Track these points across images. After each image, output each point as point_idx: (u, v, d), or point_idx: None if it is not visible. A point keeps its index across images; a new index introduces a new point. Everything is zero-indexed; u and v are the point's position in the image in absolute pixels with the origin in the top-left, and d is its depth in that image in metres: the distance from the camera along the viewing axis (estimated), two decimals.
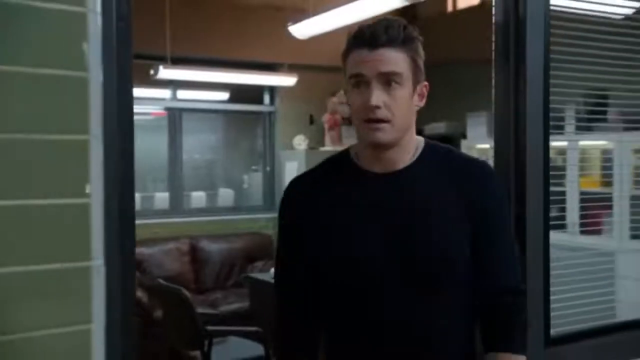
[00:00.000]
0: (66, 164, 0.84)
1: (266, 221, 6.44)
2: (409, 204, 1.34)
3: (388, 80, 1.28)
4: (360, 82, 1.29)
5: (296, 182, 1.47)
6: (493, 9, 1.72)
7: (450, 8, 6.41)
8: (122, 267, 1.04)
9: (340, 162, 1.43)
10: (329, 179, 1.42)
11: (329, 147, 6.38)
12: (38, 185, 0.83)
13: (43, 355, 0.83)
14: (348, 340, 1.38)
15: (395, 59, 1.28)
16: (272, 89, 6.48)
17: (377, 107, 1.27)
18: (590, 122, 2.92)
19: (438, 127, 6.22)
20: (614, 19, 2.15)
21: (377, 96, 1.26)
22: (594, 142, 3.52)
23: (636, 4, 2.22)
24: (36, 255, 0.83)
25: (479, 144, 5.38)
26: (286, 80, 5.93)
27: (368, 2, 4.04)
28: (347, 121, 6.56)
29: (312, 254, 1.37)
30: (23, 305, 0.82)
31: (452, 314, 1.36)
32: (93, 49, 0.85)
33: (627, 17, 2.22)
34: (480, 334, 1.41)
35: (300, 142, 6.36)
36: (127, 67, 1.13)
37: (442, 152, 1.42)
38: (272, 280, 4.65)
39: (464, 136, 5.59)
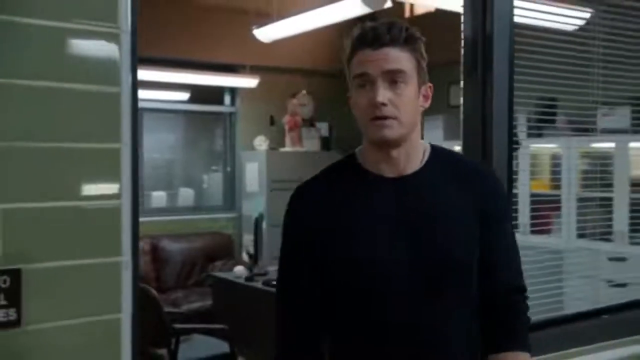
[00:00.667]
0: (104, 169, 0.94)
1: (226, 221, 6.49)
2: (417, 208, 1.34)
3: (393, 78, 1.28)
4: (365, 81, 1.29)
5: (302, 187, 1.46)
6: (462, 25, 1.87)
7: (407, 14, 6.60)
8: (136, 263, 1.13)
9: (346, 166, 1.42)
10: (335, 182, 1.41)
11: (289, 148, 6.49)
12: (80, 188, 0.92)
13: (80, 341, 0.93)
14: (353, 342, 1.37)
15: (399, 58, 1.28)
16: (232, 90, 6.54)
17: (383, 104, 1.26)
18: (540, 128, 3.10)
19: None
20: (563, 34, 2.33)
21: (383, 94, 1.26)
22: (544, 146, 3.72)
23: (580, 22, 2.41)
24: (77, 251, 0.93)
25: None
26: (248, 81, 6.00)
27: (331, 9, 4.17)
28: (307, 122, 6.68)
29: (319, 256, 1.36)
30: (65, 296, 0.91)
31: (457, 316, 1.36)
32: (124, 66, 0.95)
33: (570, 33, 2.40)
34: (486, 335, 1.41)
35: (261, 142, 6.43)
36: (136, 78, 1.22)
37: (448, 156, 1.44)
38: (235, 279, 4.70)
39: (421, 138, 5.76)
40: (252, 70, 6.11)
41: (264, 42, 4.86)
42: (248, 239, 6.34)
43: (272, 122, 6.54)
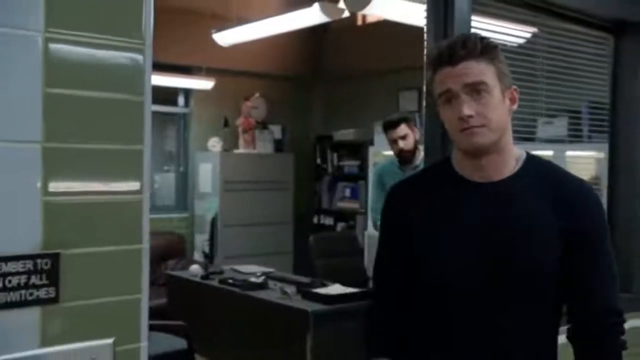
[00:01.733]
0: (130, 168, 1.06)
1: (178, 221, 6.54)
2: (499, 214, 1.35)
3: (476, 89, 1.30)
4: (450, 97, 1.31)
5: (399, 185, 1.53)
6: (425, 42, 2.06)
7: (360, 21, 6.81)
8: None
9: (441, 170, 1.46)
10: (428, 183, 1.47)
11: (243, 150, 6.60)
12: (110, 184, 1.05)
13: (107, 316, 1.05)
14: (427, 340, 1.42)
15: (478, 69, 1.30)
16: (186, 91, 6.59)
17: (470, 117, 1.29)
18: None
19: (347, 134, 6.62)
20: (510, 51, 2.56)
21: (469, 106, 1.29)
22: None
23: (522, 41, 2.64)
24: (107, 239, 1.05)
25: (385, 150, 5.78)
26: (204, 83, 6.08)
27: (291, 17, 4.32)
28: (260, 125, 6.81)
29: (405, 248, 1.41)
30: (96, 278, 1.03)
31: (531, 326, 1.37)
32: (147, 77, 1.09)
33: (515, 51, 2.64)
34: (577, 355, 1.40)
35: (215, 144, 6.51)
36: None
37: (545, 168, 1.43)
38: (191, 278, 4.77)
39: (372, 143, 5.98)
40: (208, 72, 6.19)
41: (220, 45, 4.96)
42: (200, 239, 6.42)
43: (226, 123, 6.63)
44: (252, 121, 6.62)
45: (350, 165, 6.71)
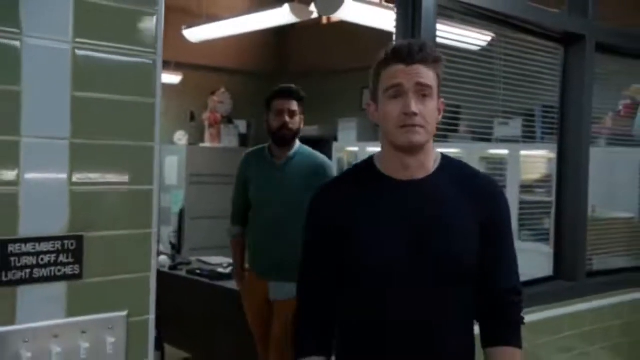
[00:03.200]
0: (143, 162, 1.21)
1: None
2: (422, 209, 1.43)
3: (422, 91, 1.39)
4: (398, 93, 1.39)
5: (324, 187, 1.58)
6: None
7: (325, 20, 6.96)
8: None
9: (365, 170, 1.53)
10: (352, 184, 1.52)
11: (209, 144, 6.70)
12: (126, 176, 1.20)
13: (123, 291, 1.19)
14: (357, 331, 1.47)
15: (427, 74, 1.40)
16: None
17: (415, 114, 1.38)
18: (446, 136, 3.49)
19: (311, 130, 6.74)
20: (468, 51, 2.75)
21: (415, 105, 1.38)
22: (448, 150, 4.15)
23: (477, 48, 2.84)
24: (123, 223, 1.18)
25: (349, 146, 5.96)
26: (171, 78, 6.15)
27: (261, 16, 4.44)
28: (226, 119, 6.91)
29: (332, 249, 1.46)
30: (114, 257, 1.17)
31: (456, 313, 1.45)
32: (157, 82, 1.23)
33: (475, 58, 2.84)
34: (485, 330, 1.51)
35: (181, 137, 6.59)
36: None
37: (457, 166, 1.54)
38: (159, 268, 4.84)
39: (336, 139, 6.15)
40: (176, 66, 6.25)
41: (190, 41, 5.04)
42: (165, 230, 6.49)
43: (192, 117, 6.71)
44: (218, 116, 6.72)
45: None
